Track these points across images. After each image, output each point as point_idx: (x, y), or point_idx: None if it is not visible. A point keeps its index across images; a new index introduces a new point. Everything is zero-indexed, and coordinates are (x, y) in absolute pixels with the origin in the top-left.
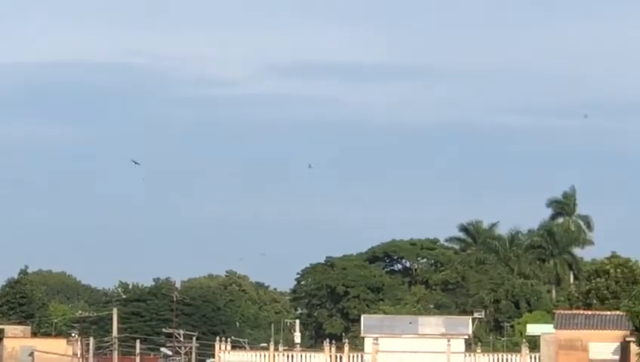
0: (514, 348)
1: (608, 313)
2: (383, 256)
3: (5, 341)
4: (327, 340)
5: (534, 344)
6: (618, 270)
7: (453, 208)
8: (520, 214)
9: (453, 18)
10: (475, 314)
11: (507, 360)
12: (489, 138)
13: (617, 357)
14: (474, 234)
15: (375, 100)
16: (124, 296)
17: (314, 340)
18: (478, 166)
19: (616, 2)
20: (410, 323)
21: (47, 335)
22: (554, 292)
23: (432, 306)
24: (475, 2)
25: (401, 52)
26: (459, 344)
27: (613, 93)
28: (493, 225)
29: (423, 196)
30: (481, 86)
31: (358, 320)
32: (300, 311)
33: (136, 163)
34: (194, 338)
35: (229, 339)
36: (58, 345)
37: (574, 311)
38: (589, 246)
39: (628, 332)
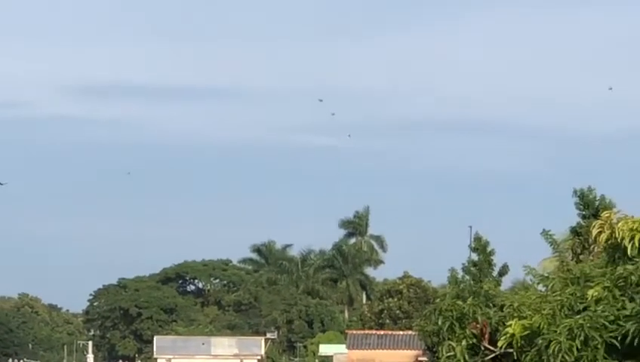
0: None
1: (401, 333)
2: (175, 277)
3: None
4: (121, 361)
5: None
6: (410, 290)
7: (247, 229)
8: (313, 235)
9: (251, 39)
10: (268, 335)
11: None
12: (283, 158)
13: None
14: (267, 255)
15: (171, 120)
16: None
17: (107, 361)
18: (272, 186)
19: (403, 29)
20: (203, 344)
21: None
22: (347, 312)
23: (225, 327)
24: (271, 22)
25: (198, 73)
26: None
27: (407, 114)
28: (287, 246)
29: (217, 217)
30: (276, 106)
31: (152, 341)
32: (93, 333)
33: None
34: None
35: (22, 361)
36: None
37: (367, 331)
38: (381, 266)
39: (420, 352)
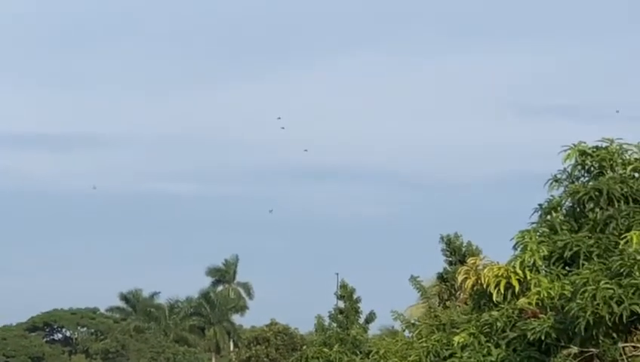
0: None
1: None
2: (43, 325)
3: None
4: None
5: None
6: (278, 337)
7: (115, 277)
8: (181, 282)
9: (116, 85)
10: None
11: None
12: (151, 206)
13: None
14: (134, 303)
15: (36, 169)
16: None
17: None
18: (141, 234)
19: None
20: None
21: None
22: (214, 359)
23: None
24: (136, 73)
25: (61, 120)
26: None
27: (271, 160)
28: (154, 293)
29: (85, 265)
30: (143, 153)
31: None
32: None
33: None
34: None
35: None
36: None
37: None
38: (248, 314)
39: None
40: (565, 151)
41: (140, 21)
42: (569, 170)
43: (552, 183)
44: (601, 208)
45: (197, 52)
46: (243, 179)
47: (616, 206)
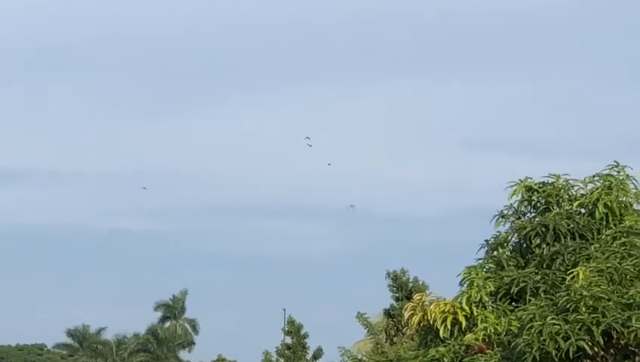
0: None
1: None
2: None
3: None
4: None
5: None
6: None
7: (62, 313)
8: (129, 318)
9: (65, 120)
10: None
11: None
12: (99, 242)
13: None
14: (81, 339)
15: None
16: None
17: None
18: (88, 270)
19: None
20: None
21: None
22: None
23: None
24: (85, 109)
25: (7, 154)
26: None
27: (221, 195)
28: (101, 329)
29: (32, 301)
30: (91, 189)
31: None
32: None
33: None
34: None
35: None
36: None
37: None
38: (195, 350)
39: None
40: (512, 186)
41: (91, 58)
42: (515, 205)
43: (498, 219)
44: (548, 244)
45: (147, 87)
46: (193, 214)
47: (563, 242)
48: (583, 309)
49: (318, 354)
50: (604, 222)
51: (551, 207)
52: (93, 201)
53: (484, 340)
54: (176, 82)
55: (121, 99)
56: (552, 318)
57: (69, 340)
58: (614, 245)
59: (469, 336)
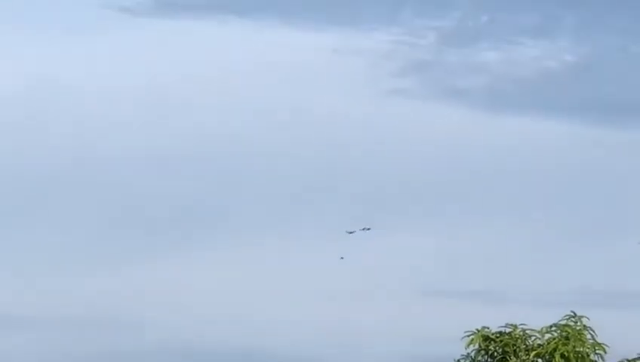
0: None
1: None
2: None
3: None
4: None
5: None
6: None
7: None
8: None
9: (18, 264)
10: None
11: None
12: None
13: None
14: None
15: None
16: None
17: None
18: None
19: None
20: None
21: None
22: None
23: None
24: (40, 254)
25: None
26: None
27: (173, 339)
28: None
29: None
30: (47, 334)
31: None
32: None
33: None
34: None
35: None
36: None
37: None
38: None
39: None
40: (469, 336)
41: (43, 204)
42: (472, 354)
43: None
44: None
45: (104, 233)
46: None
47: None
48: None
49: None
50: None
51: (508, 357)
52: (50, 346)
53: None
54: (134, 230)
55: (80, 246)
56: None
57: None
58: None
59: None
